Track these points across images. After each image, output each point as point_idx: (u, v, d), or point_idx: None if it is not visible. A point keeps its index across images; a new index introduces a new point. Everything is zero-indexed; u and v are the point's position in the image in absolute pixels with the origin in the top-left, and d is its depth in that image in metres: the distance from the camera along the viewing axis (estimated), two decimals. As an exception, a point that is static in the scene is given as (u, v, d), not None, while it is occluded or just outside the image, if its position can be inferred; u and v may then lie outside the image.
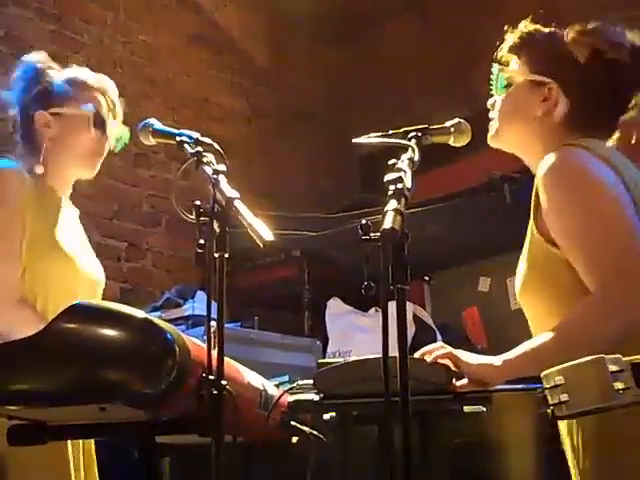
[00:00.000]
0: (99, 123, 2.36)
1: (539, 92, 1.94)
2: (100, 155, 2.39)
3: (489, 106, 2.03)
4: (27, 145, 2.36)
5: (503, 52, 2.02)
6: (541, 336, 1.78)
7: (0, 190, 2.23)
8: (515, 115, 1.99)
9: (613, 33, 1.92)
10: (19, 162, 2.30)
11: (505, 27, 2.03)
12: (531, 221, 1.86)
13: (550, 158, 1.81)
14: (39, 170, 2.31)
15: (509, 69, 2.00)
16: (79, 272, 2.30)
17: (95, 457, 2.27)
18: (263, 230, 1.75)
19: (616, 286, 1.67)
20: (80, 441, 2.18)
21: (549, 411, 1.78)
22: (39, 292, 2.21)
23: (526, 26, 2.01)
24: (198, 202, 1.77)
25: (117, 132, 2.43)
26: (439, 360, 1.89)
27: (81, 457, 2.19)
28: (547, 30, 1.99)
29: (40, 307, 2.20)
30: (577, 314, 1.73)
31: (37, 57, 2.39)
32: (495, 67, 2.03)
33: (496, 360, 1.85)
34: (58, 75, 2.37)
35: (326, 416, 2.07)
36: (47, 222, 2.28)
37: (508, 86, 2.00)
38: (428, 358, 1.90)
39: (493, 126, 2.03)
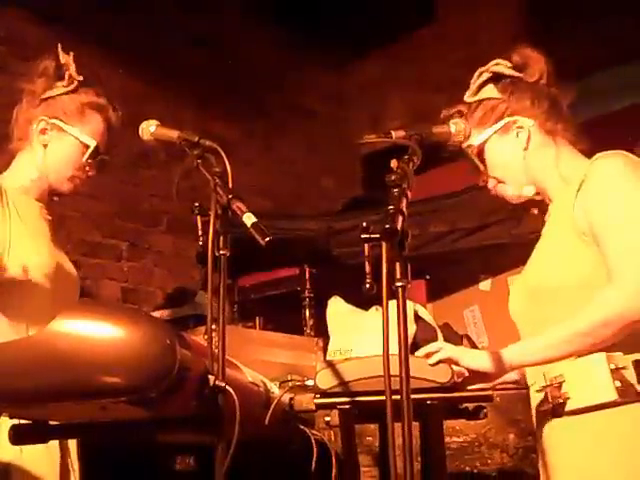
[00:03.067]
0: (93, 156, 2.33)
1: (510, 134, 1.97)
2: (79, 181, 2.35)
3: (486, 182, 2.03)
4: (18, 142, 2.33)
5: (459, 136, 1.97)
6: (559, 325, 1.79)
7: None
8: (514, 171, 1.99)
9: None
10: None
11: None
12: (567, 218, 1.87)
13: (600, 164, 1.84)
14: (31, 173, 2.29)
15: (475, 146, 1.99)
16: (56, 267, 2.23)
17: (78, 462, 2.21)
18: (264, 229, 1.75)
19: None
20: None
21: (549, 407, 1.79)
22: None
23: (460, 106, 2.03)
24: (199, 202, 1.77)
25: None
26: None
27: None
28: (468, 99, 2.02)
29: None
30: (598, 306, 1.74)
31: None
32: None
33: (499, 351, 1.85)
34: (71, 90, 2.33)
35: (327, 415, 2.07)
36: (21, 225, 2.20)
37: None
38: (429, 360, 1.90)
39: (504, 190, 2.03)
